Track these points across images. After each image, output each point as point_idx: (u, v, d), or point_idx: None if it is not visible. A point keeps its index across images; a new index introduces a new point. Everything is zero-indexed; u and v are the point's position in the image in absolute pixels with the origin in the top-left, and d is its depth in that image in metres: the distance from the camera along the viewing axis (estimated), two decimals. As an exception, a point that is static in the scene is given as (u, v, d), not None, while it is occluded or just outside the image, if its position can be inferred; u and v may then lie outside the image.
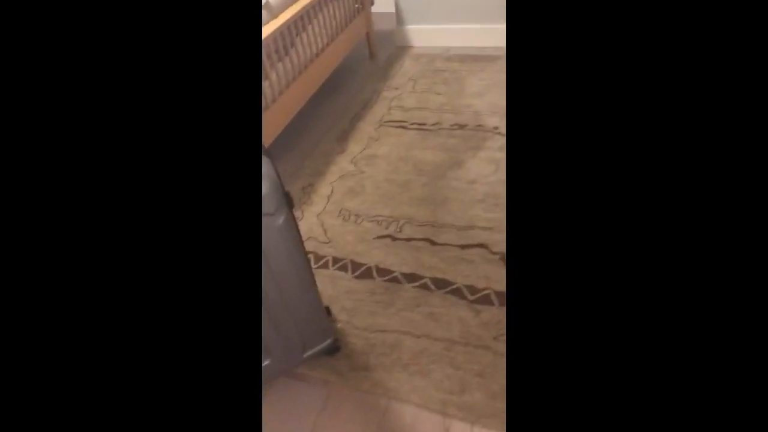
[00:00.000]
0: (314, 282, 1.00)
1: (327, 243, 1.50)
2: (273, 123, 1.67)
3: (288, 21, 1.65)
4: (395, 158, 1.80)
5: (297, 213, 1.62)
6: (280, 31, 1.62)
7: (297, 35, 1.77)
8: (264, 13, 1.62)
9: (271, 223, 0.82)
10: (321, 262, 1.44)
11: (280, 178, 0.84)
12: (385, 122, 2.01)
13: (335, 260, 1.44)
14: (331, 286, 1.36)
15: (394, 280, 1.35)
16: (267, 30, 1.56)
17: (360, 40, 2.39)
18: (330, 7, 2.00)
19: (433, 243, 1.44)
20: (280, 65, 1.69)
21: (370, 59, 2.53)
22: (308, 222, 1.59)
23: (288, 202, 0.86)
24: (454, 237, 1.45)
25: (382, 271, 1.37)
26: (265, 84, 1.59)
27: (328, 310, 1.13)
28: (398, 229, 1.50)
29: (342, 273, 1.39)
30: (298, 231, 0.91)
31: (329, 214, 1.60)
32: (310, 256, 1.46)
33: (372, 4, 2.44)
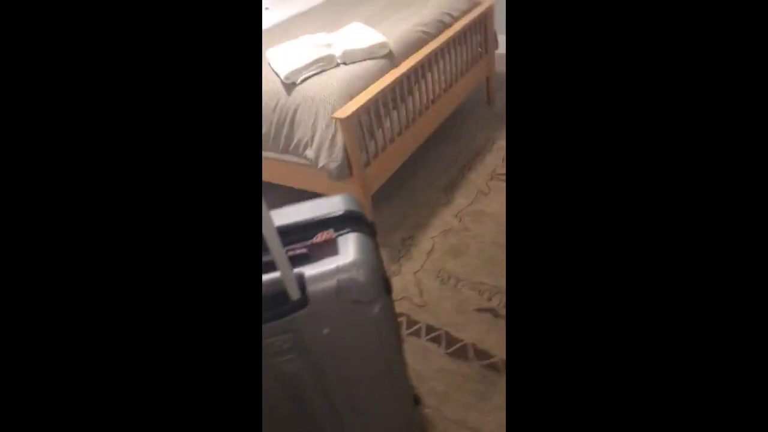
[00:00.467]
0: (406, 374, 0.89)
1: (422, 307, 1.39)
2: (381, 170, 1.64)
3: (409, 70, 1.62)
4: (505, 218, 1.65)
5: (394, 267, 1.54)
6: (399, 81, 1.59)
7: (415, 83, 1.73)
8: (384, 62, 1.60)
9: (365, 312, 0.74)
10: (413, 329, 1.33)
11: (381, 262, 0.76)
12: (497, 174, 1.87)
13: (429, 329, 1.32)
14: (421, 360, 1.24)
15: (494, 367, 1.19)
16: (386, 80, 1.54)
17: (479, 83, 2.30)
18: (452, 53, 1.94)
19: (542, 328, 1.25)
20: (394, 113, 1.66)
21: (487, 104, 2.42)
22: (404, 279, 1.50)
23: (386, 287, 0.78)
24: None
25: (481, 353, 1.22)
26: (377, 134, 1.56)
27: (416, 399, 1.01)
28: (502, 304, 1.34)
29: (435, 346, 1.27)
30: (395, 318, 0.82)
31: (427, 274, 1.50)
32: (402, 319, 1.36)
33: (497, 47, 2.33)
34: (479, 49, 2.21)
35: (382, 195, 1.89)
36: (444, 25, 1.89)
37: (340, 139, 1.42)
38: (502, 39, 2.89)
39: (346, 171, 1.47)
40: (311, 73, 1.50)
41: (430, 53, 1.72)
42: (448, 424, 1.08)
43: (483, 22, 2.13)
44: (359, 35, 1.60)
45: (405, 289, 1.46)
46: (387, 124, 1.61)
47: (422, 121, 1.83)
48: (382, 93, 1.52)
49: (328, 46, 1.59)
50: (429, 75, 1.81)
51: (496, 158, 1.96)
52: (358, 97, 1.45)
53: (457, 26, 1.90)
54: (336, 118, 1.37)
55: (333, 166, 1.44)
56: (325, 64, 1.52)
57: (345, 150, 1.43)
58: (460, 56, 2.00)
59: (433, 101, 1.88)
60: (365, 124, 1.49)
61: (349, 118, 1.36)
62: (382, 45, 1.57)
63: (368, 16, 1.97)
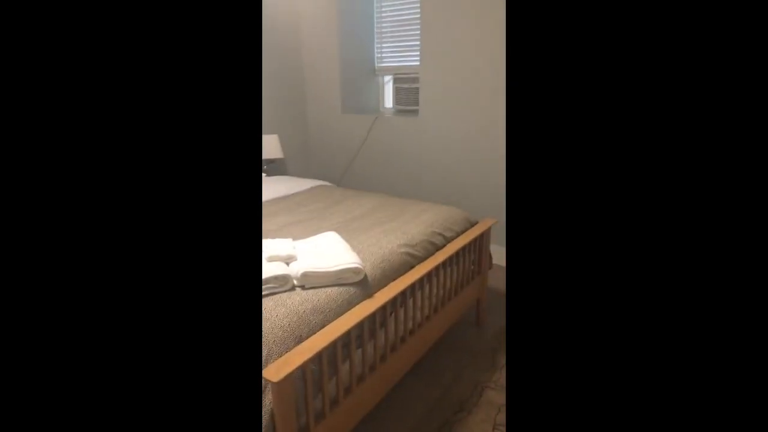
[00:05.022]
0: None
1: None
2: (341, 422, 1.16)
3: (385, 303, 1.28)
4: None
5: None
6: (370, 316, 1.24)
7: (391, 314, 1.38)
8: (355, 290, 1.27)
9: None
10: None
11: None
12: (485, 447, 1.39)
13: None
14: None
15: None
16: (353, 316, 1.18)
17: (469, 306, 1.97)
18: (441, 276, 1.64)
19: None
20: (358, 352, 1.26)
21: (476, 326, 2.07)
22: None
23: None
24: None
25: None
26: (329, 385, 1.13)
27: None
28: None
29: None
30: None
31: None
32: None
33: (491, 267, 2.08)
34: (472, 267, 1.94)
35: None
36: (434, 247, 1.63)
37: (267, 402, 0.99)
38: (497, 249, 2.71)
39: (269, 445, 1.00)
40: (258, 292, 1.15)
41: (414, 281, 1.41)
42: None
43: (479, 241, 1.91)
44: (329, 252, 1.31)
45: None
46: (345, 368, 1.20)
47: (394, 359, 1.42)
48: (346, 333, 1.14)
49: (288, 259, 1.27)
50: (410, 301, 1.48)
51: (484, 419, 1.50)
52: (308, 341, 1.07)
53: (450, 249, 1.64)
54: (265, 379, 0.96)
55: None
56: (277, 285, 1.17)
57: (272, 418, 0.99)
58: (449, 278, 1.70)
59: (411, 332, 1.50)
60: (311, 378, 1.08)
61: (284, 381, 0.95)
62: (355, 271, 1.26)
63: (348, 221, 1.74)
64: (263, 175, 2.69)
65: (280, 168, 3.28)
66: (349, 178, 3.39)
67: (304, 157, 3.54)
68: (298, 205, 1.99)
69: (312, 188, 2.35)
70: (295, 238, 1.50)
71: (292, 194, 2.20)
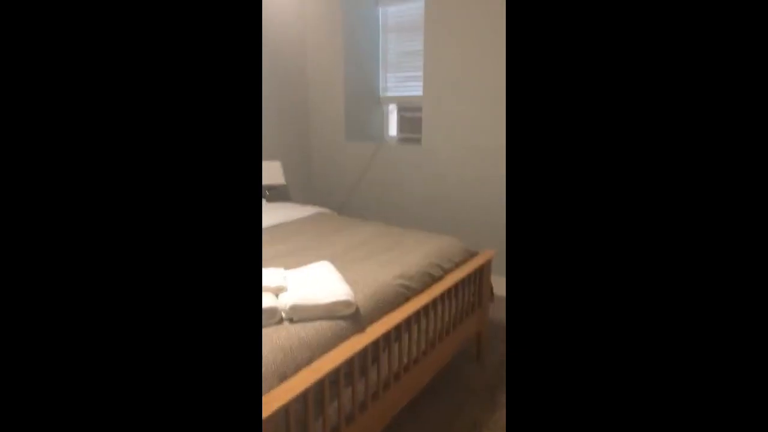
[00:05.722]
0: None
1: None
2: None
3: (378, 338, 1.23)
4: None
5: None
6: (362, 351, 1.19)
7: (385, 349, 1.33)
8: (346, 324, 1.23)
9: None
10: None
11: None
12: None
13: None
14: None
15: None
16: (343, 352, 1.13)
17: (468, 340, 1.91)
18: (438, 310, 1.59)
19: None
20: (347, 390, 1.21)
21: (477, 361, 1.99)
22: None
23: None
24: None
25: None
26: (314, 426, 1.07)
27: None
28: None
29: None
30: None
31: None
32: None
33: (492, 299, 2.02)
34: (471, 299, 1.88)
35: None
36: (432, 279, 1.59)
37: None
38: (497, 280, 2.65)
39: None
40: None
41: (410, 315, 1.36)
42: None
43: (479, 273, 1.86)
44: (321, 283, 1.27)
45: None
46: (333, 407, 1.15)
47: (387, 397, 1.36)
48: (334, 370, 1.09)
49: (278, 290, 1.24)
50: (405, 335, 1.42)
51: (481, 462, 1.42)
52: (294, 379, 1.02)
53: (448, 281, 1.60)
54: (245, 419, 0.91)
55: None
56: (265, 318, 1.14)
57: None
58: (447, 311, 1.65)
59: (406, 368, 1.44)
60: (295, 417, 1.02)
61: (265, 422, 0.90)
62: (347, 304, 1.22)
63: (344, 251, 1.70)
64: (263, 201, 2.68)
65: (282, 194, 3.27)
66: (352, 204, 3.37)
67: (307, 184, 3.54)
68: (296, 233, 1.96)
69: (311, 216, 2.34)
70: (288, 267, 1.47)
71: (291, 222, 2.17)
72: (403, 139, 3.27)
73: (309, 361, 1.10)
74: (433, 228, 2.89)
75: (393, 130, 3.47)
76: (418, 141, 3.05)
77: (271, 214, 2.25)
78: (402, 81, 3.31)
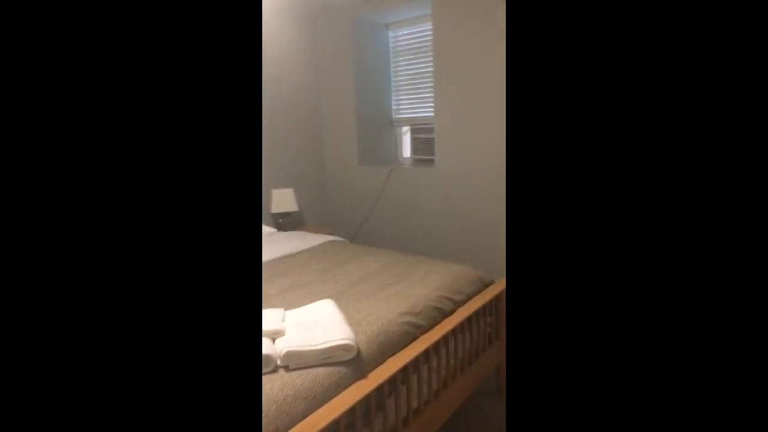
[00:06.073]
0: None
1: None
2: None
3: (382, 383, 1.15)
4: None
5: None
6: (364, 399, 1.10)
7: (390, 394, 1.24)
8: (347, 370, 1.15)
9: None
10: None
11: None
12: None
13: None
14: None
15: None
16: (344, 401, 1.05)
17: (486, 376, 1.79)
18: (450, 344, 1.49)
19: None
20: (352, 441, 1.12)
21: (497, 397, 1.87)
22: None
23: None
24: None
25: None
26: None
27: None
28: None
29: None
30: None
31: None
32: None
33: (511, 330, 1.90)
34: (488, 329, 1.77)
35: None
36: (441, 314, 1.49)
37: None
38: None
39: None
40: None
41: (418, 355, 1.27)
42: None
43: (495, 304, 1.75)
44: (320, 325, 1.20)
45: None
46: (335, 462, 1.06)
47: (397, 445, 1.27)
48: (333, 422, 1.01)
49: (274, 335, 1.17)
50: (414, 377, 1.33)
51: None
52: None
53: (460, 315, 1.50)
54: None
55: None
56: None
57: None
58: (461, 347, 1.55)
59: (416, 413, 1.34)
60: (291, 478, 0.94)
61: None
62: (347, 347, 1.14)
63: (350, 284, 1.63)
64: (274, 230, 2.66)
65: (296, 220, 3.25)
66: (366, 229, 3.32)
67: (321, 209, 3.51)
68: (303, 266, 1.91)
69: (322, 244, 2.28)
70: (290, 306, 1.41)
71: (299, 252, 2.12)
72: (417, 161, 3.21)
73: (304, 414, 1.02)
74: (449, 250, 2.80)
75: (407, 151, 3.42)
76: (432, 162, 2.98)
77: (280, 245, 2.21)
78: (415, 102, 3.26)
